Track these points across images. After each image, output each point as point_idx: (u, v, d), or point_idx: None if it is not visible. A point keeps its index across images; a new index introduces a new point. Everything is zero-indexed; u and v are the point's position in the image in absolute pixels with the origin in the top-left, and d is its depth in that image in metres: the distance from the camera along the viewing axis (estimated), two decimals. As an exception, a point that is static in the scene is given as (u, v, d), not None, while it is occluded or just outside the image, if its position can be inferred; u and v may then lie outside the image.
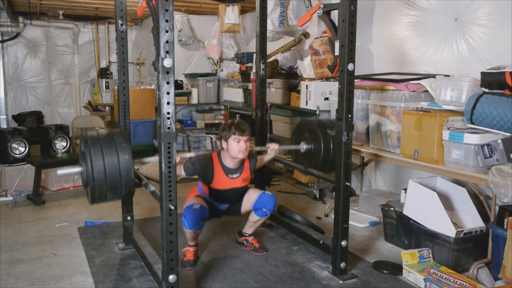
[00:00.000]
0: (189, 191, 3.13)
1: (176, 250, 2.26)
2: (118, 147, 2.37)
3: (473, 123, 2.78)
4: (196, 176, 3.04)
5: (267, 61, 4.04)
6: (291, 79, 5.01)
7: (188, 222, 2.80)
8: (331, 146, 3.05)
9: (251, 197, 3.05)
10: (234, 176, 2.98)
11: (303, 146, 3.27)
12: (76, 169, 2.40)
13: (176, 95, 2.14)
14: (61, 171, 2.44)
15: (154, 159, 2.86)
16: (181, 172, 2.88)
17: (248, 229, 3.19)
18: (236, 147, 2.85)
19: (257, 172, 3.73)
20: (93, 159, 2.31)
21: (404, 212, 3.15)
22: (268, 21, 4.71)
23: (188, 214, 2.79)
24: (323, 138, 3.10)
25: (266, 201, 3.00)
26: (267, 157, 3.29)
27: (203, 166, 2.92)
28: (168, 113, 2.11)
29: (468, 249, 2.86)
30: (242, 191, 3.08)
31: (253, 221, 3.12)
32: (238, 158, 2.91)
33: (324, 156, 3.10)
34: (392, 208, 3.33)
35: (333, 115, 3.89)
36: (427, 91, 3.27)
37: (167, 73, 2.08)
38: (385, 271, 2.86)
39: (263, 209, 3.01)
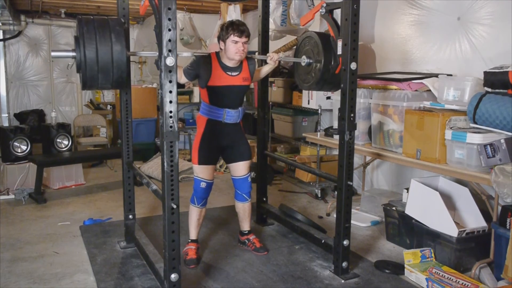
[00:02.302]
0: (196, 121, 3.10)
1: (178, 248, 2.26)
2: (112, 29, 2.33)
3: (475, 123, 2.78)
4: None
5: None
6: (293, 78, 4.99)
7: (197, 198, 2.96)
8: (332, 61, 2.90)
9: (242, 168, 3.06)
10: (234, 73, 2.90)
11: (304, 60, 3.12)
12: (70, 53, 2.35)
13: (178, 93, 2.14)
14: (55, 53, 2.43)
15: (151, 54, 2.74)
16: (181, 77, 2.85)
17: (244, 224, 3.20)
18: (233, 49, 2.80)
19: (258, 171, 3.72)
20: (86, 40, 2.27)
21: (406, 212, 3.15)
22: (270, 20, 4.69)
23: (199, 191, 2.94)
24: (324, 52, 2.93)
25: (240, 184, 3.07)
26: (266, 67, 3.22)
27: (202, 65, 2.85)
28: (171, 111, 2.11)
29: (470, 249, 2.85)
30: (242, 91, 3.00)
31: (241, 212, 3.16)
32: (235, 60, 2.85)
33: (324, 70, 2.94)
34: (394, 208, 3.33)
35: (335, 115, 3.88)
36: (430, 90, 3.26)
37: (170, 71, 2.08)
38: (387, 271, 2.86)
39: (238, 192, 3.09)
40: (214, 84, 2.87)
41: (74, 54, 2.32)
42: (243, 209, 3.15)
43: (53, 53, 2.45)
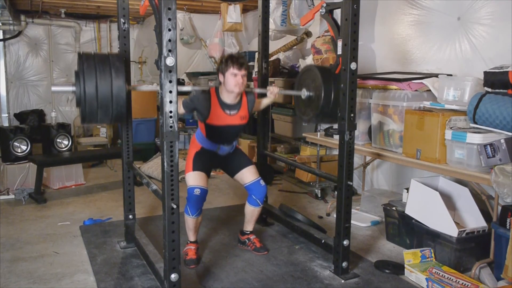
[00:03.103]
0: (190, 142, 3.12)
1: (178, 248, 2.26)
2: (112, 65, 2.33)
3: (475, 123, 2.78)
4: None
5: (269, 60, 4.03)
6: (293, 78, 5.00)
7: (191, 208, 2.86)
8: (332, 94, 2.87)
9: (249, 176, 3.04)
10: (232, 112, 2.93)
11: (304, 93, 3.11)
12: (70, 87, 2.36)
13: (178, 93, 2.14)
14: (56, 88, 2.44)
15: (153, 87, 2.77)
16: (180, 109, 2.85)
17: (248, 225, 3.19)
18: (232, 81, 2.81)
19: (258, 171, 3.72)
20: (86, 76, 2.28)
21: (406, 212, 3.15)
22: (270, 20, 4.71)
23: (192, 200, 2.84)
24: (324, 84, 2.89)
25: (256, 189, 3.03)
26: (266, 101, 3.23)
27: (201, 100, 2.87)
28: (171, 111, 2.11)
29: (470, 249, 2.85)
30: (239, 130, 3.06)
31: (249, 214, 3.13)
32: (235, 92, 2.86)
33: (324, 103, 2.90)
34: (394, 208, 3.33)
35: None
36: (430, 90, 3.26)
37: (170, 71, 2.08)
38: (387, 271, 2.86)
39: (253, 197, 3.04)
40: (212, 123, 2.91)
41: (74, 88, 2.32)
42: (253, 212, 3.13)
43: (53, 88, 2.45)
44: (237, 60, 2.80)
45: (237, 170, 3.08)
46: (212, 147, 3.02)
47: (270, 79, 4.82)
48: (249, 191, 3.07)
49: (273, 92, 3.09)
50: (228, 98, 2.90)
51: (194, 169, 2.92)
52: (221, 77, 2.87)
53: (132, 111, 3.17)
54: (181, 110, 2.86)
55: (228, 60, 2.81)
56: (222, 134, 2.99)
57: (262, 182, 3.06)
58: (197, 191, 2.84)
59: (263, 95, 3.21)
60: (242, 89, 2.88)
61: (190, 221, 2.92)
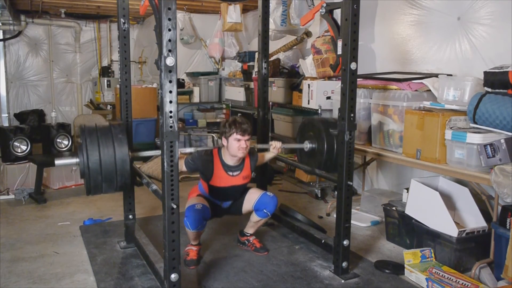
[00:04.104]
0: (190, 191, 3.12)
1: (178, 248, 2.26)
2: (115, 138, 2.37)
3: (475, 123, 2.78)
4: (197, 175, 3.04)
5: (269, 60, 4.03)
6: (293, 78, 5.01)
7: (190, 223, 2.78)
8: (335, 146, 3.03)
9: (253, 197, 3.03)
10: (235, 173, 2.96)
11: (307, 145, 3.24)
12: (74, 159, 2.41)
13: (178, 93, 2.14)
14: (59, 161, 2.46)
15: (154, 152, 2.83)
16: (182, 167, 2.87)
17: (250, 229, 3.19)
18: (236, 146, 2.83)
19: (258, 171, 3.73)
20: (89, 150, 2.32)
21: (406, 212, 3.15)
22: (270, 20, 4.70)
23: (190, 214, 2.78)
24: (327, 137, 3.07)
25: (267, 202, 2.99)
26: (268, 155, 3.27)
27: (204, 162, 2.90)
28: (171, 111, 2.11)
29: (470, 249, 2.85)
30: (242, 189, 3.07)
31: (254, 222, 3.11)
32: (238, 157, 2.89)
33: (327, 155, 3.08)
34: (394, 208, 3.33)
35: (335, 115, 3.88)
36: (430, 90, 3.26)
37: (170, 71, 2.08)
38: (387, 271, 2.86)
39: (264, 210, 2.99)
40: (214, 184, 2.94)
41: (77, 160, 2.40)
42: (259, 222, 3.12)
43: (57, 162, 2.49)
44: (241, 125, 2.81)
45: (242, 204, 3.07)
46: (215, 202, 3.06)
47: (270, 79, 4.81)
48: (257, 205, 3.00)
49: (276, 147, 3.16)
50: (231, 160, 2.92)
51: (197, 196, 2.98)
52: (224, 141, 2.88)
53: (132, 111, 3.18)
54: (183, 169, 2.88)
55: (232, 126, 2.81)
56: (225, 194, 3.02)
57: (269, 193, 3.04)
58: (198, 206, 2.81)
59: (266, 149, 3.27)
60: (245, 154, 2.89)
61: (190, 233, 2.89)
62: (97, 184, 2.39)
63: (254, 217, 3.08)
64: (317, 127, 3.19)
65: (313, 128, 3.24)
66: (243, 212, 3.11)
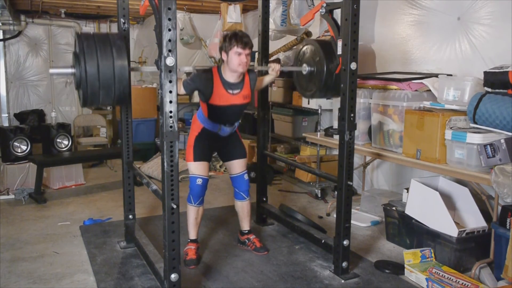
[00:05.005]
0: (191, 123, 3.09)
1: (178, 248, 2.26)
2: (113, 45, 2.27)
3: (475, 123, 2.78)
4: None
5: (269, 60, 4.02)
6: (293, 78, 5.00)
7: (193, 197, 2.93)
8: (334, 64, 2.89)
9: (237, 166, 3.08)
10: (235, 91, 2.89)
11: (306, 68, 3.12)
12: (69, 70, 2.30)
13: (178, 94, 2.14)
14: (53, 70, 2.31)
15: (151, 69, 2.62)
16: (180, 89, 2.80)
17: (244, 224, 3.20)
18: (236, 60, 2.77)
19: (258, 171, 3.73)
20: (86, 56, 2.21)
21: (406, 212, 3.15)
22: (270, 20, 4.70)
23: (194, 189, 2.91)
24: (326, 59, 2.94)
25: (239, 183, 3.09)
26: (268, 78, 3.22)
27: (203, 80, 2.83)
28: (171, 111, 2.11)
29: (470, 249, 2.85)
30: (242, 109, 3.03)
31: (240, 211, 3.17)
32: (238, 72, 2.83)
33: (326, 77, 2.93)
34: (394, 208, 3.33)
35: (335, 115, 3.88)
36: (430, 90, 3.26)
37: (170, 71, 2.08)
38: (387, 271, 2.86)
39: (236, 190, 3.10)
40: (214, 103, 2.87)
41: (73, 70, 2.28)
42: (242, 207, 3.16)
43: (51, 70, 2.39)
44: (241, 38, 2.75)
45: (229, 158, 3.11)
46: (214, 128, 2.98)
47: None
48: (233, 183, 3.13)
49: (275, 69, 3.09)
50: (231, 77, 2.86)
51: (195, 159, 2.94)
52: (224, 56, 2.82)
53: (132, 111, 3.17)
54: (181, 91, 2.80)
55: (232, 39, 2.75)
56: (224, 114, 2.94)
57: (246, 176, 3.10)
58: (199, 181, 2.91)
59: (265, 73, 3.22)
60: (246, 69, 2.84)
61: (192, 210, 2.96)
62: (95, 92, 2.25)
63: (236, 205, 3.16)
64: (315, 49, 3.04)
65: (311, 50, 3.09)
66: (225, 163, 3.17)
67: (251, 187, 3.20)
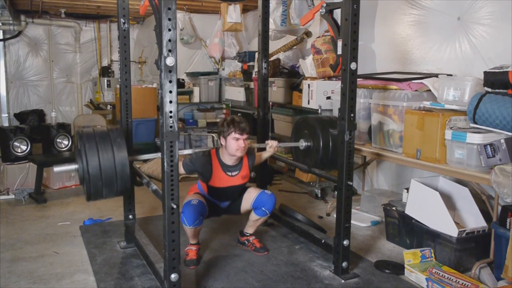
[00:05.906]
0: (189, 190, 3.12)
1: (178, 248, 2.26)
2: (113, 143, 2.37)
3: (476, 123, 2.77)
4: (195, 175, 3.04)
5: (269, 60, 4.03)
6: (293, 78, 5.01)
7: (187, 218, 2.77)
8: (330, 143, 3.04)
9: (251, 196, 3.04)
10: (233, 173, 2.96)
11: (302, 143, 3.24)
12: (72, 166, 2.42)
13: (178, 93, 2.14)
14: (58, 168, 2.46)
15: (154, 155, 2.83)
16: (180, 169, 2.85)
17: (249, 228, 3.19)
18: (234, 146, 2.83)
19: (258, 171, 3.73)
20: (88, 156, 2.32)
21: (406, 212, 3.15)
22: (270, 20, 4.70)
23: (187, 210, 2.77)
24: (322, 135, 3.07)
25: (265, 200, 2.99)
26: (265, 154, 3.27)
27: (202, 164, 2.91)
28: (171, 111, 2.11)
29: (470, 249, 2.85)
30: (241, 189, 3.07)
31: (253, 220, 3.12)
32: (236, 156, 2.90)
33: (323, 153, 3.07)
34: (394, 208, 3.33)
35: (335, 114, 3.88)
36: (430, 90, 3.26)
37: (170, 71, 2.08)
38: (387, 271, 2.86)
39: (262, 208, 3.00)
40: (214, 185, 2.95)
41: (76, 166, 2.40)
42: (258, 221, 3.12)
43: (55, 169, 2.49)
44: (239, 124, 2.81)
45: (240, 203, 3.08)
46: (214, 202, 3.06)
47: (270, 79, 4.81)
48: (256, 204, 3.01)
49: (272, 146, 3.16)
50: (229, 160, 2.93)
51: (194, 194, 2.98)
52: (222, 141, 2.88)
53: (132, 111, 3.18)
54: (182, 171, 2.87)
55: (230, 125, 2.81)
56: (224, 194, 3.03)
57: (268, 192, 3.05)
58: (194, 201, 2.83)
59: (263, 149, 3.27)
60: (244, 153, 2.90)
61: (187, 229, 2.88)
62: (98, 190, 2.39)
63: (253, 216, 3.08)
64: (311, 125, 3.17)
65: (308, 127, 3.22)
66: (241, 211, 3.11)
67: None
